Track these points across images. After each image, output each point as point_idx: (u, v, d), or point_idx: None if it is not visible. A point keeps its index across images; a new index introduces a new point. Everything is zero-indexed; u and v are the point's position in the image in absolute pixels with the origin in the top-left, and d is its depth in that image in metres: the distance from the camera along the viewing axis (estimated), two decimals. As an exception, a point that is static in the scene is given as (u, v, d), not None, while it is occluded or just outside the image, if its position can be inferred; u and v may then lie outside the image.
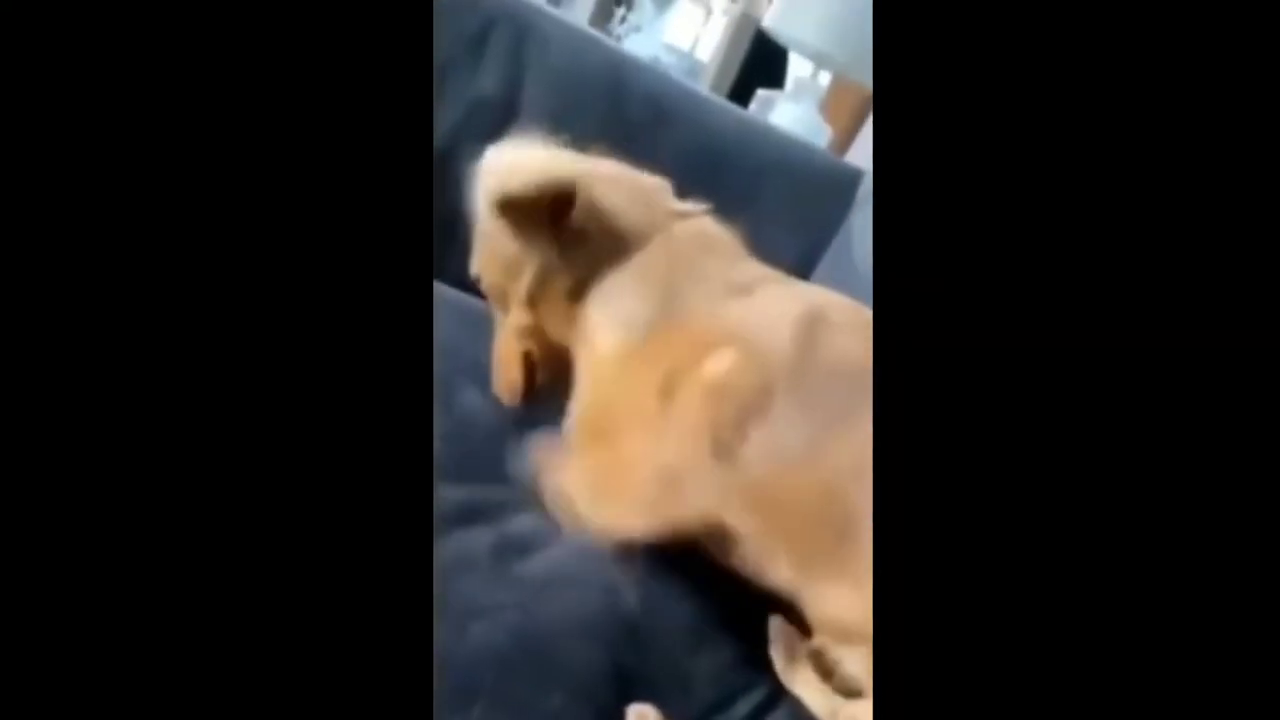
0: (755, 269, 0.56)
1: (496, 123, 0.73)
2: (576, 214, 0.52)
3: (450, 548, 0.45)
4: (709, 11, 1.98)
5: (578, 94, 0.75)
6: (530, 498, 0.51)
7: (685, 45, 2.18)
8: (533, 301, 0.55)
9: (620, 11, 2.10)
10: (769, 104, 1.29)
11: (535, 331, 0.56)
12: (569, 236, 0.52)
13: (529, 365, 0.56)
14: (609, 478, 0.49)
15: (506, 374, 0.57)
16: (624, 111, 0.77)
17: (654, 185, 0.58)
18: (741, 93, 1.65)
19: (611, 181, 0.55)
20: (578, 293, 0.53)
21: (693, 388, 0.47)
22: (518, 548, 0.48)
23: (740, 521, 0.45)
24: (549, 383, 0.56)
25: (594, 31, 0.83)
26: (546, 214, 0.52)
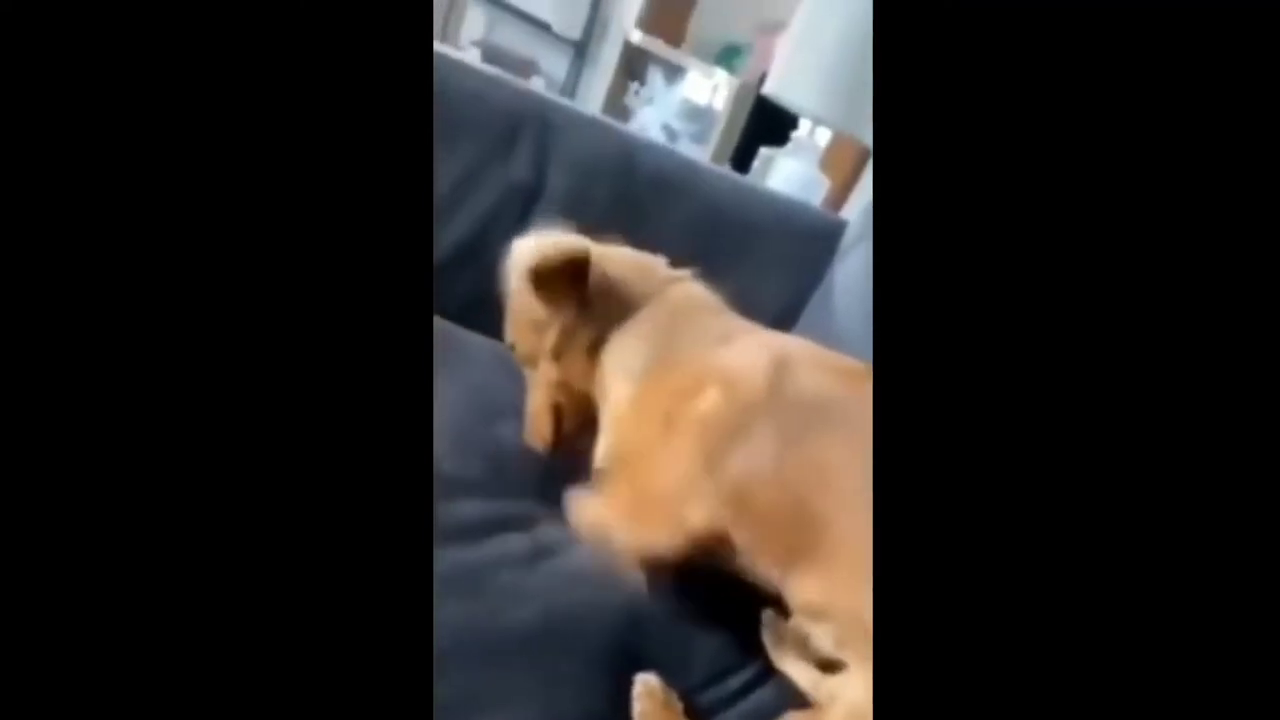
0: (733, 321, 0.67)
1: (526, 205, 0.87)
2: (591, 280, 0.64)
3: (493, 548, 0.57)
4: (715, 87, 2.15)
5: (593, 175, 0.89)
6: (560, 518, 0.61)
7: (703, 101, 2.35)
8: (558, 356, 0.66)
9: (634, 85, 2.29)
10: (771, 161, 1.42)
11: (562, 384, 0.66)
12: (586, 301, 0.64)
13: (557, 415, 0.67)
14: (632, 507, 0.59)
15: (538, 424, 0.67)
16: (633, 187, 0.90)
17: (649, 258, 0.70)
18: (748, 149, 1.79)
19: (616, 256, 0.67)
20: (594, 349, 0.64)
21: (687, 421, 0.57)
22: (547, 551, 0.59)
23: (732, 527, 0.55)
24: (574, 429, 0.67)
25: (607, 119, 0.97)
26: (567, 280, 0.63)
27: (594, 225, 0.83)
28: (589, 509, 0.62)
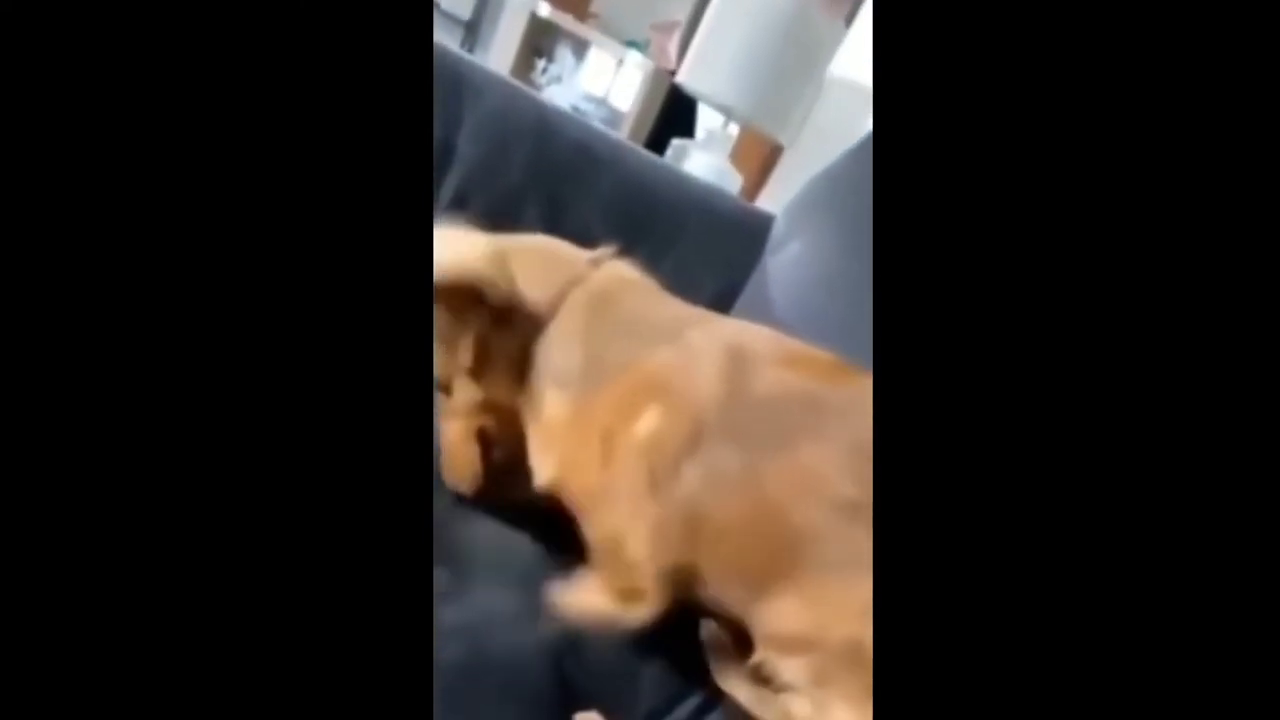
0: (674, 307, 0.58)
1: (435, 168, 0.76)
2: (499, 290, 0.53)
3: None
4: (620, 62, 2.09)
5: (508, 140, 0.80)
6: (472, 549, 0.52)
7: (600, 93, 2.28)
8: (477, 373, 0.54)
9: (541, 63, 2.18)
10: (683, 153, 1.38)
11: (487, 405, 0.55)
12: (497, 311, 0.53)
13: (485, 442, 0.55)
14: (600, 572, 0.50)
15: (459, 458, 0.55)
16: (552, 157, 0.81)
17: (563, 245, 0.60)
18: (657, 142, 1.74)
19: (526, 251, 0.57)
20: (522, 358, 0.54)
21: (628, 448, 0.49)
22: (470, 585, 0.50)
23: (694, 555, 0.48)
24: (506, 459, 0.55)
25: (521, 84, 0.88)
26: (467, 295, 0.53)
27: (508, 195, 0.73)
28: (580, 598, 0.51)
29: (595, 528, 0.51)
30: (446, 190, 0.76)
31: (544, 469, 0.54)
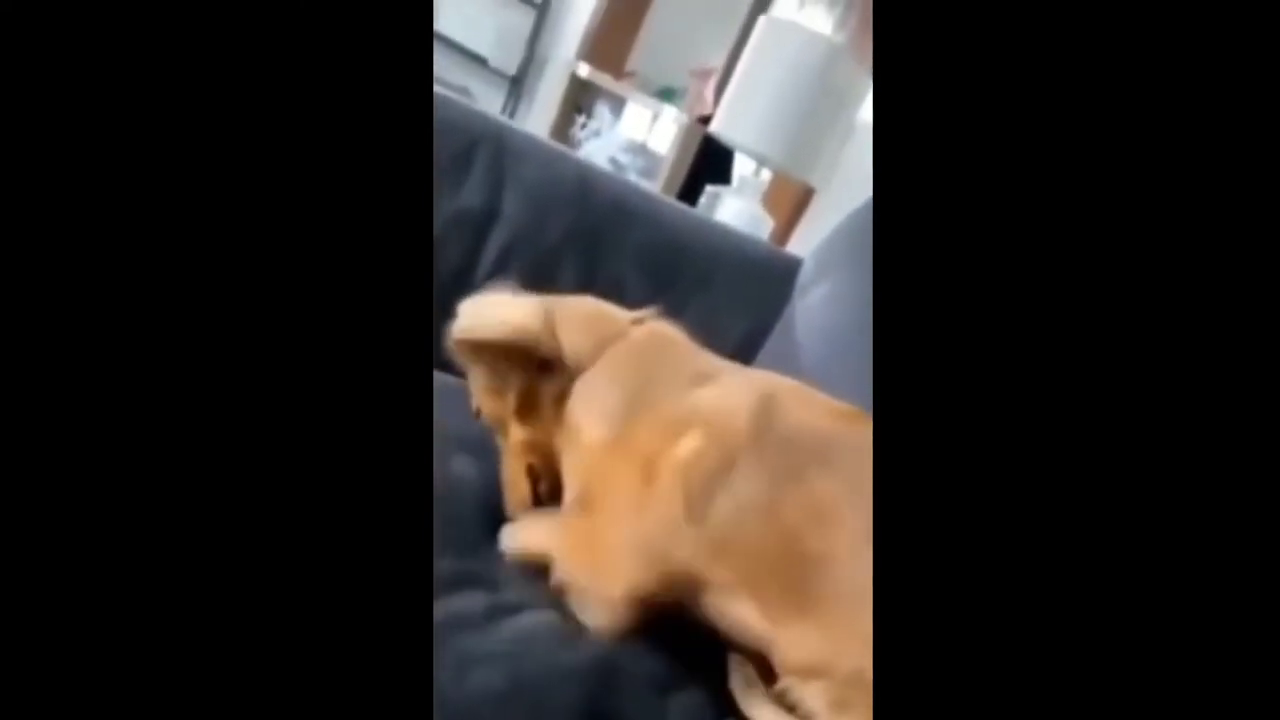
0: (710, 359, 0.64)
1: (480, 230, 0.83)
2: (543, 345, 0.61)
3: (448, 608, 0.51)
4: (656, 116, 2.19)
5: (550, 201, 0.86)
6: (513, 570, 0.57)
7: (640, 138, 2.37)
8: (523, 415, 0.62)
9: (580, 119, 2.30)
10: (717, 198, 1.43)
11: (534, 444, 0.62)
12: (541, 365, 0.61)
13: (533, 477, 0.62)
14: (594, 540, 0.55)
15: (514, 492, 0.63)
16: (590, 215, 0.87)
17: (608, 306, 0.68)
18: (694, 187, 1.81)
19: (571, 308, 0.64)
20: (561, 400, 0.61)
21: (668, 468, 0.54)
22: (508, 610, 0.54)
23: (712, 572, 0.52)
24: (551, 490, 0.62)
25: (562, 147, 0.94)
26: (513, 354, 0.60)
27: (549, 253, 0.79)
28: (530, 532, 0.57)
29: (622, 525, 0.55)
30: (491, 250, 0.83)
31: (573, 486, 0.59)
